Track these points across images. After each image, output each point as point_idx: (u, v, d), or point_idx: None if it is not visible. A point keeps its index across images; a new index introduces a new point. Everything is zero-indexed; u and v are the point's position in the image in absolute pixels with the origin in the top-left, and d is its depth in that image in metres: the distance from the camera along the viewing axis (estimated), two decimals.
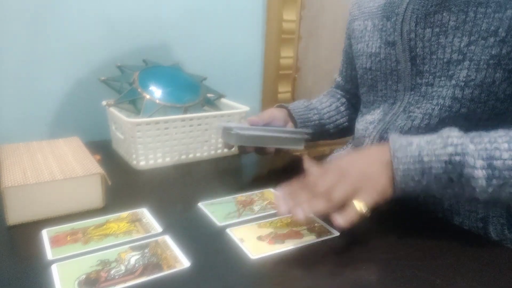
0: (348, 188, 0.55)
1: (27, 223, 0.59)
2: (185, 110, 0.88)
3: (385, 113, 0.75)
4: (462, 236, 0.60)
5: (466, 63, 0.62)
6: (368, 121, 0.79)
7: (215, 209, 0.65)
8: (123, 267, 0.49)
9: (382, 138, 0.73)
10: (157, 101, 0.87)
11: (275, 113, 0.86)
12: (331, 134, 0.94)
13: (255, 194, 0.72)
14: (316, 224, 0.61)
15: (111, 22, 1.02)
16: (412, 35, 0.67)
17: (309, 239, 0.57)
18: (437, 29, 0.64)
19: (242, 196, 0.71)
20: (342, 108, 0.95)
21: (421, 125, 0.67)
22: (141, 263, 0.50)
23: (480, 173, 0.53)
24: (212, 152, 0.92)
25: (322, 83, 1.40)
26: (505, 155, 0.53)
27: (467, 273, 0.51)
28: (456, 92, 0.63)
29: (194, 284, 0.48)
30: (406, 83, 0.71)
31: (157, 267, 0.50)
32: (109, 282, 0.47)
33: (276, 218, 0.63)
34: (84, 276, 0.47)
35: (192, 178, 0.81)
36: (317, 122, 0.91)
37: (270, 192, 0.73)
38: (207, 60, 1.17)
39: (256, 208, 0.66)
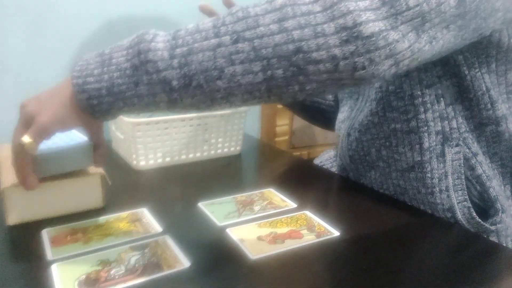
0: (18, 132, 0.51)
1: (27, 223, 0.59)
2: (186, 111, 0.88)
3: (351, 110, 0.77)
4: (462, 236, 0.60)
5: None
6: (340, 120, 0.80)
7: (215, 209, 0.65)
8: (123, 267, 0.49)
9: (350, 135, 0.74)
10: None
11: None
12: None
13: (255, 194, 0.72)
14: (316, 224, 0.61)
15: (111, 22, 1.02)
16: None
17: (309, 239, 0.57)
18: None
19: (242, 196, 0.71)
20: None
21: (368, 112, 0.69)
22: (141, 263, 0.50)
23: (160, 45, 0.44)
24: (212, 152, 0.92)
25: None
26: (190, 26, 0.46)
27: (467, 273, 0.51)
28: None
29: (194, 284, 0.48)
30: None
31: (157, 267, 0.50)
32: (109, 282, 0.47)
33: (276, 218, 0.63)
34: (84, 276, 0.47)
35: (192, 178, 0.81)
36: None
37: (270, 192, 0.73)
38: None
39: (256, 208, 0.66)
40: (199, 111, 0.83)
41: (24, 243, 0.55)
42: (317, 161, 0.97)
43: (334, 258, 0.54)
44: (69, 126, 0.50)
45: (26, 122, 0.50)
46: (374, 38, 0.39)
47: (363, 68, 0.40)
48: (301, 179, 0.81)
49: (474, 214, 0.63)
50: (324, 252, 0.55)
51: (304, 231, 0.59)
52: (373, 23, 0.39)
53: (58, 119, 0.49)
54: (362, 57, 0.40)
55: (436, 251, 0.56)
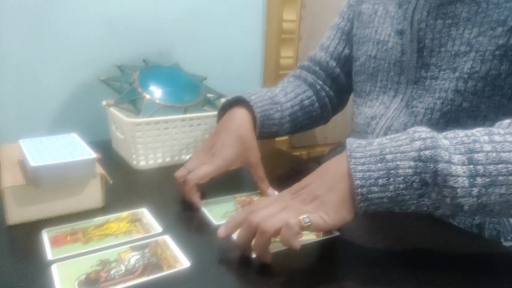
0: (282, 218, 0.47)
1: (27, 223, 0.59)
2: (185, 110, 0.88)
3: (386, 107, 0.72)
4: (462, 236, 0.60)
5: (472, 54, 0.60)
6: (368, 115, 0.75)
7: (212, 208, 0.65)
8: (123, 267, 0.49)
9: (386, 135, 0.70)
10: (157, 101, 0.87)
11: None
12: (286, 133, 0.82)
13: (255, 194, 0.72)
14: None
15: (111, 22, 1.02)
16: (423, 25, 0.65)
17: (309, 238, 0.57)
18: (449, 21, 0.62)
19: (242, 196, 0.71)
20: (306, 103, 0.83)
21: (423, 120, 0.65)
22: (141, 263, 0.50)
23: (459, 170, 0.43)
24: None
25: None
26: (487, 147, 0.44)
27: (467, 273, 0.51)
28: (459, 85, 0.61)
29: (194, 284, 0.48)
30: (409, 75, 0.68)
31: (157, 267, 0.50)
32: (109, 282, 0.47)
33: None
34: (84, 276, 0.48)
35: None
36: (277, 121, 0.77)
37: (271, 191, 0.73)
38: (207, 60, 1.17)
39: None
40: None
41: (24, 243, 0.55)
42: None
43: (334, 258, 0.54)
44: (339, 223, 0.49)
45: (307, 200, 0.49)
46: None
47: None
48: (301, 179, 0.81)
49: (502, 239, 0.63)
50: (324, 252, 0.55)
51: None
52: None
53: (338, 219, 0.48)
54: None
55: (437, 251, 0.56)
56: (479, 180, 0.43)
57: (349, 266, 0.52)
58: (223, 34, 1.19)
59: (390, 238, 0.59)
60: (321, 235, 0.58)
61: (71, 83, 1.01)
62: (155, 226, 0.59)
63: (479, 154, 0.44)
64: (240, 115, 0.72)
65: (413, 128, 0.48)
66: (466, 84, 0.61)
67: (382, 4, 0.73)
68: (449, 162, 0.43)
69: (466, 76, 0.61)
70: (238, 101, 0.75)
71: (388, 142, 0.48)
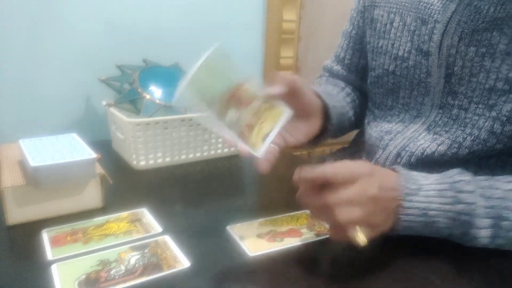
0: (359, 219, 0.48)
1: (27, 223, 0.59)
2: (185, 110, 0.88)
3: (405, 126, 0.68)
4: None
5: None
6: (384, 129, 0.70)
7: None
8: (123, 267, 0.49)
9: (399, 155, 0.65)
10: (157, 101, 0.87)
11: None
12: (340, 130, 0.77)
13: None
14: (316, 223, 0.61)
15: (111, 22, 1.02)
16: (453, 51, 0.60)
17: (308, 237, 0.57)
18: (483, 50, 0.57)
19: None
20: (348, 99, 0.80)
21: (448, 152, 0.61)
22: (141, 263, 0.50)
23: (484, 233, 0.51)
24: (212, 152, 0.92)
25: None
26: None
27: (468, 273, 0.51)
28: (495, 126, 0.57)
29: (194, 284, 0.48)
30: (435, 99, 0.64)
31: (157, 267, 0.50)
32: (109, 282, 0.47)
33: (277, 216, 0.63)
34: (84, 276, 0.47)
35: (192, 178, 0.81)
36: (338, 111, 0.73)
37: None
38: None
39: (231, 114, 0.55)
40: None
41: (24, 243, 0.55)
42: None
43: (333, 257, 0.54)
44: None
45: (366, 221, 0.50)
46: None
47: None
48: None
49: None
50: (323, 251, 0.55)
51: (304, 230, 0.59)
52: None
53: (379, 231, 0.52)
54: None
55: (437, 251, 0.55)
56: (498, 240, 0.51)
57: (347, 265, 0.52)
58: (223, 34, 1.19)
59: (390, 238, 0.59)
60: (321, 234, 0.58)
61: (71, 83, 1.01)
62: (155, 226, 0.59)
63: (505, 222, 0.50)
64: None
65: (460, 183, 0.51)
66: (503, 127, 0.57)
67: (399, 14, 0.67)
68: (479, 228, 0.50)
69: (504, 118, 0.57)
70: None
71: (435, 196, 0.51)
